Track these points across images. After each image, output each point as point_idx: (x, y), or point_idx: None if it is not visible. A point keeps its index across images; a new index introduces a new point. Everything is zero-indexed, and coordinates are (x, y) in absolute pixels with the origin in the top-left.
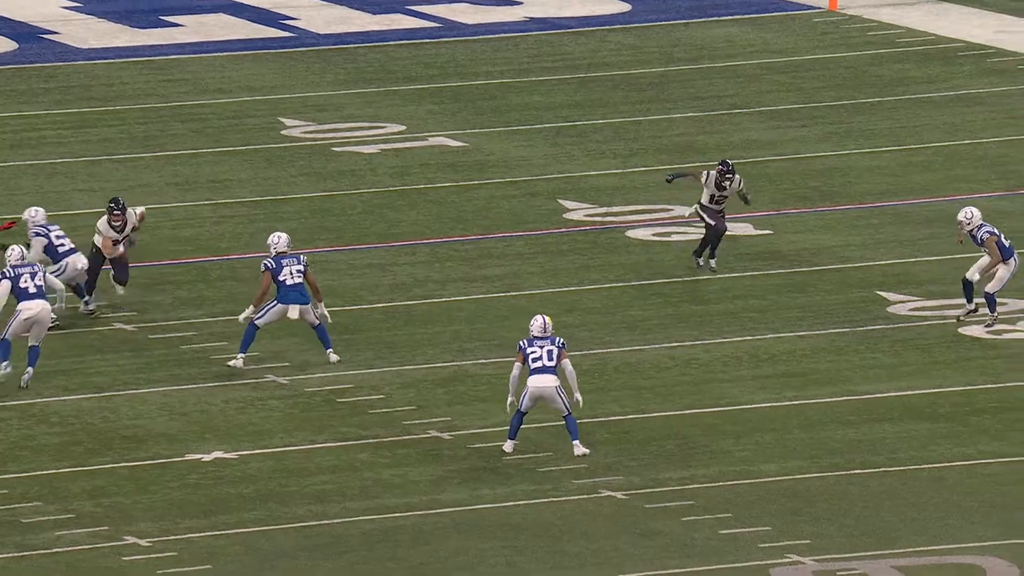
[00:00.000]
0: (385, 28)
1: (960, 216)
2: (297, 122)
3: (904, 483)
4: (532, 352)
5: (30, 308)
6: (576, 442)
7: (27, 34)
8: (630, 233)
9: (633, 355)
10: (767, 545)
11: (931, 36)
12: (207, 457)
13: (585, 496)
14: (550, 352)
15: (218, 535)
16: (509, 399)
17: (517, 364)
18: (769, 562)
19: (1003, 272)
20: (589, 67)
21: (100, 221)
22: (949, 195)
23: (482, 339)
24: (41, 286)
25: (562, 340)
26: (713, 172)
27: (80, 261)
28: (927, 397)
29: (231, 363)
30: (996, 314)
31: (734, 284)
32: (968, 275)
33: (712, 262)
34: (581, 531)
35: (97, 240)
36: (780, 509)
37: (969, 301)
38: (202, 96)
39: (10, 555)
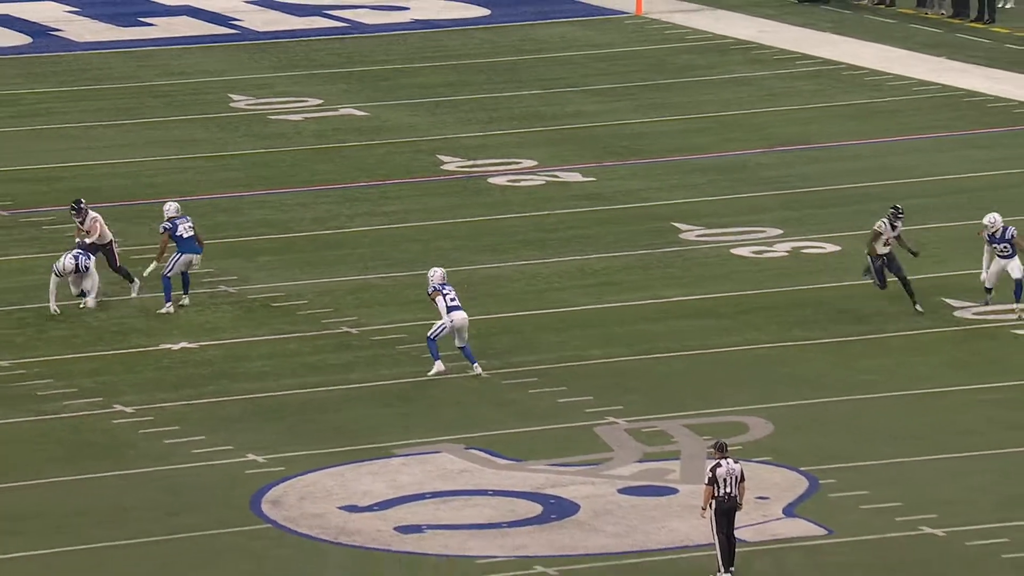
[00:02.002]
0: (308, 27)
1: (985, 220)
2: (241, 97)
3: (692, 364)
4: (448, 293)
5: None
6: (476, 364)
7: (39, 31)
8: (491, 180)
9: (492, 271)
10: (592, 410)
11: (710, 34)
12: (175, 347)
13: (458, 375)
14: (456, 295)
15: (184, 404)
16: (435, 328)
17: (440, 300)
18: (593, 423)
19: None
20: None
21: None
22: (724, 152)
23: (381, 259)
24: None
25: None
26: (885, 220)
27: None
28: (709, 300)
29: (163, 311)
30: None
31: (567, 218)
32: (988, 285)
33: (917, 306)
34: (455, 401)
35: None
36: (601, 384)
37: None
38: (170, 78)
39: (29, 419)
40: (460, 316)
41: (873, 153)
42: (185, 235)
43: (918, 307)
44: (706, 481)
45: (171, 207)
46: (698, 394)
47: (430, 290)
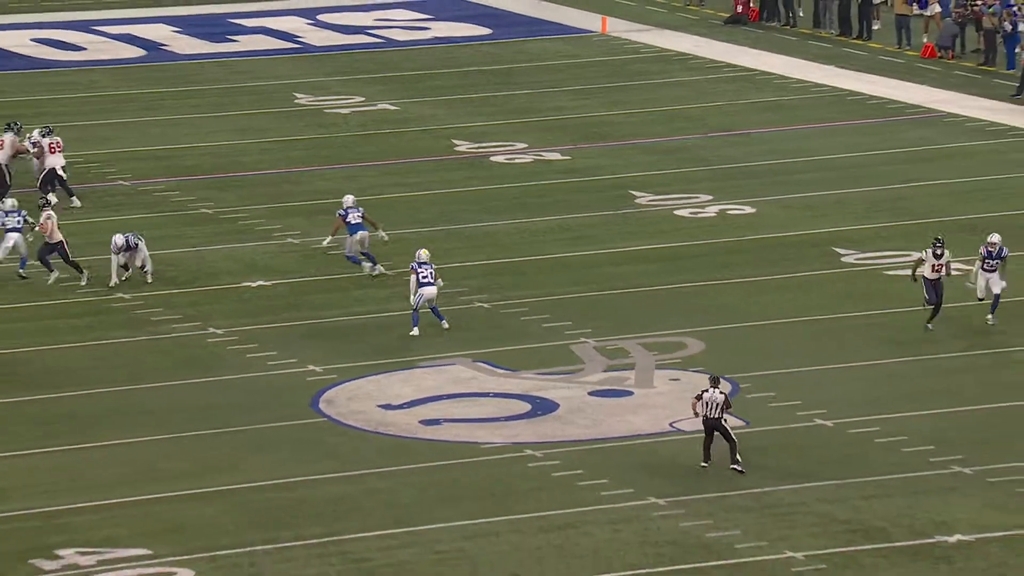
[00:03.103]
0: (354, 42)
1: (992, 239)
2: (304, 95)
3: (644, 297)
4: (422, 272)
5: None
6: (443, 321)
7: (152, 46)
8: (492, 158)
9: (493, 227)
10: (568, 332)
11: (658, 48)
12: (253, 284)
13: (465, 306)
14: (431, 272)
15: (262, 327)
16: (412, 298)
17: (413, 277)
18: (569, 342)
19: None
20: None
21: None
22: (668, 137)
23: (409, 218)
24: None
25: (432, 264)
26: (929, 249)
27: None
28: (656, 249)
29: (375, 273)
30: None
31: (550, 187)
32: (980, 295)
33: (929, 325)
34: (466, 326)
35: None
36: (576, 312)
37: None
38: (251, 81)
39: (145, 338)
40: (430, 291)
41: (781, 138)
42: (353, 221)
43: (929, 326)
44: (695, 397)
45: (348, 199)
46: (648, 320)
47: (411, 266)
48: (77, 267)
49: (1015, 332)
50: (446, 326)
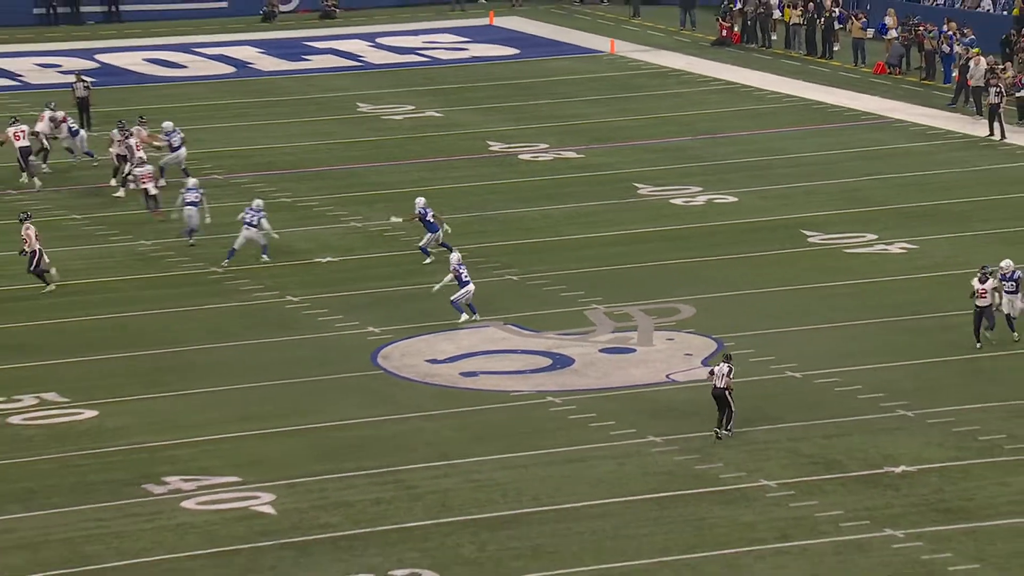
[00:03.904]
0: (406, 61)
1: (1004, 264)
2: (365, 105)
3: (645, 271)
4: (461, 272)
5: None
6: (476, 315)
7: (240, 64)
8: (521, 156)
9: (520, 214)
10: (582, 300)
11: (656, 65)
12: (324, 260)
13: (497, 279)
14: (466, 271)
15: (331, 296)
16: (459, 292)
17: (450, 275)
18: (583, 308)
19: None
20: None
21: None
22: (665, 139)
23: (451, 206)
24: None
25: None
26: (975, 278)
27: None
28: (655, 232)
29: (427, 261)
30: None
31: (568, 180)
32: (1006, 310)
33: (988, 333)
34: (497, 295)
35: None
36: (589, 283)
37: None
38: (320, 93)
39: (234, 304)
40: (471, 288)
41: (758, 140)
42: (430, 219)
43: (979, 344)
44: (709, 371)
45: (420, 201)
46: (649, 289)
47: (450, 268)
48: (42, 278)
49: (953, 299)
50: (477, 318)
